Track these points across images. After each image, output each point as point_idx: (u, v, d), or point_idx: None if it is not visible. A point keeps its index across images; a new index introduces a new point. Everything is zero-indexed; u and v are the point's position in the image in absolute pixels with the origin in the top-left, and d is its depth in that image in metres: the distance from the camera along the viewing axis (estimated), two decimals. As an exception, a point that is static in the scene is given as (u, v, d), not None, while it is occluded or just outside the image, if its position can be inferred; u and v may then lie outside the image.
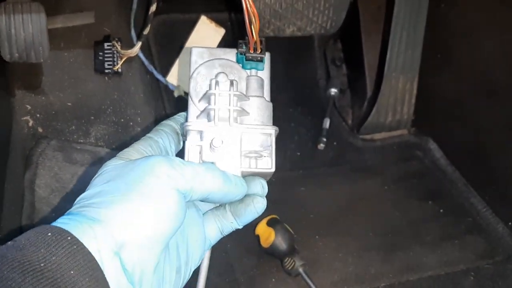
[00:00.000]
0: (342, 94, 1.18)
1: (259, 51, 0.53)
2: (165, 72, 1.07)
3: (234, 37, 1.09)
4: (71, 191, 0.88)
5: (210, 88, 0.51)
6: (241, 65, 0.54)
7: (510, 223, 0.94)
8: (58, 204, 0.86)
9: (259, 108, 0.52)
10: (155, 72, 1.05)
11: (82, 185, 0.89)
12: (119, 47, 0.99)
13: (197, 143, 0.50)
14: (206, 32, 1.08)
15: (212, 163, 0.49)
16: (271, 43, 1.12)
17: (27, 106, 0.95)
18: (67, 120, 0.97)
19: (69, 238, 0.37)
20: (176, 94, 1.05)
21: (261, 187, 0.51)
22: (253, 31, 0.50)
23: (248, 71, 0.54)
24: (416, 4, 1.05)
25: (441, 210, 1.00)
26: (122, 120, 1.01)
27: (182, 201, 0.43)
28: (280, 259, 0.88)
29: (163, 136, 0.50)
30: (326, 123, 1.11)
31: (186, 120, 0.53)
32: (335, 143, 1.12)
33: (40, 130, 0.95)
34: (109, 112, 1.00)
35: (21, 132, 0.93)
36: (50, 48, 0.80)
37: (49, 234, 0.37)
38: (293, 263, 0.86)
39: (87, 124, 0.98)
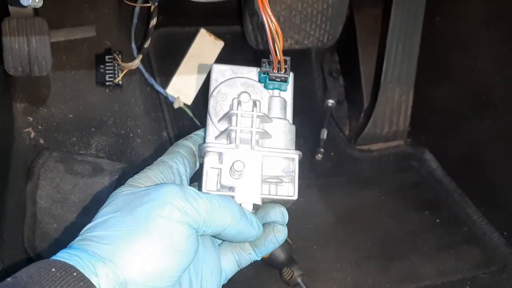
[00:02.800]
0: (339, 106, 1.20)
1: (283, 70, 0.50)
2: (165, 84, 1.08)
3: (233, 49, 1.11)
4: (72, 201, 0.89)
5: (232, 108, 0.48)
6: (263, 84, 0.51)
7: (505, 233, 0.95)
8: (60, 214, 0.87)
9: (282, 131, 0.49)
10: (155, 84, 1.06)
11: (83, 196, 0.90)
12: (119, 60, 1.00)
13: (215, 166, 0.47)
14: (205, 45, 1.10)
15: (231, 187, 0.46)
16: (268, 55, 1.13)
17: (29, 118, 0.96)
18: (69, 132, 0.98)
19: (75, 274, 0.35)
20: (175, 105, 1.06)
21: (281, 215, 0.48)
22: (277, 50, 0.48)
23: (270, 91, 0.51)
24: (411, 18, 1.07)
25: (438, 220, 1.01)
26: (123, 131, 1.02)
27: (193, 236, 0.40)
28: (279, 269, 0.88)
29: (177, 160, 0.47)
30: (324, 134, 1.12)
31: (204, 140, 0.49)
32: (332, 154, 1.14)
33: (41, 141, 0.96)
34: (110, 123, 1.01)
35: (23, 143, 0.94)
36: (52, 61, 0.81)
37: (53, 269, 0.35)
38: (292, 273, 0.86)
39: (88, 136, 0.99)
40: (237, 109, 0.48)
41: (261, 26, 0.96)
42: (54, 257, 0.37)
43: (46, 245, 0.85)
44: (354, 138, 1.15)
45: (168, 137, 1.07)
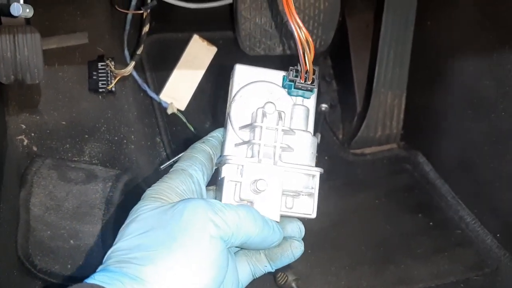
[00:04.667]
0: (333, 110, 1.20)
1: (311, 81, 0.48)
2: (158, 90, 1.09)
3: (226, 55, 1.11)
4: (66, 209, 0.88)
5: (255, 119, 0.46)
6: (286, 90, 0.49)
7: (498, 235, 0.96)
8: (53, 222, 0.87)
9: (304, 144, 0.48)
10: (148, 91, 1.06)
11: (77, 202, 0.90)
12: (112, 67, 1.00)
13: (235, 179, 0.45)
14: (198, 51, 1.10)
15: (251, 201, 0.45)
16: (262, 60, 1.14)
17: (22, 125, 0.96)
18: (62, 139, 0.98)
19: None
20: (169, 111, 1.07)
21: (298, 230, 0.48)
22: (307, 60, 0.46)
23: (294, 98, 0.49)
24: (403, 22, 1.08)
25: (431, 223, 1.02)
26: (116, 138, 1.02)
27: (225, 250, 0.40)
28: (273, 274, 0.88)
29: (197, 167, 0.46)
30: (318, 138, 1.12)
31: (223, 145, 0.48)
32: (326, 158, 1.14)
33: (34, 149, 0.96)
34: (103, 130, 1.01)
35: (16, 151, 0.94)
36: (44, 69, 0.81)
37: None
38: (286, 278, 0.87)
39: (81, 142, 0.99)
40: (262, 121, 0.46)
41: (262, 34, 0.96)
42: (92, 279, 0.35)
43: (40, 252, 0.85)
44: (348, 142, 1.16)
45: (161, 143, 1.07)
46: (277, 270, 0.87)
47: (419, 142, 1.13)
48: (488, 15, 0.94)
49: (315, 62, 0.44)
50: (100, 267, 0.38)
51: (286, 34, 1.00)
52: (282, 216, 0.47)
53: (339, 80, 1.20)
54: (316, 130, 1.12)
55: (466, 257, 0.95)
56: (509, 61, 0.89)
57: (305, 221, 0.49)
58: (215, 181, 0.50)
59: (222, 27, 1.13)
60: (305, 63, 0.47)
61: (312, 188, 0.47)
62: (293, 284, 0.86)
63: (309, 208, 0.47)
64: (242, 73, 0.49)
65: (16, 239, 0.85)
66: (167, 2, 1.06)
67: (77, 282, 0.36)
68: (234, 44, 1.07)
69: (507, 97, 0.90)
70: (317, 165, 0.50)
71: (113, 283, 0.35)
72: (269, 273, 0.88)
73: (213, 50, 1.11)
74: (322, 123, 1.15)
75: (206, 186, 0.48)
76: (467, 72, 0.99)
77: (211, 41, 1.11)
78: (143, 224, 0.39)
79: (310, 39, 0.46)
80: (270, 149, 0.46)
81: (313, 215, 0.47)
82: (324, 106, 1.17)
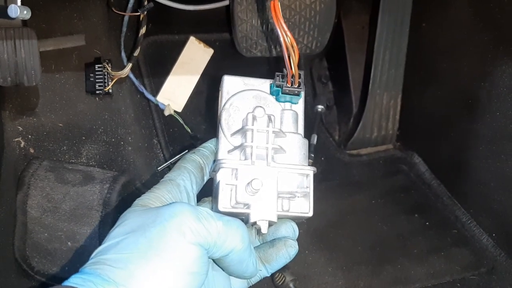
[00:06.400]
0: (329, 111, 1.21)
1: (297, 84, 0.50)
2: (155, 92, 1.09)
3: (222, 57, 1.12)
4: (64, 210, 0.88)
5: (246, 123, 0.48)
6: (275, 97, 0.51)
7: (493, 235, 0.97)
8: (50, 224, 0.87)
9: (295, 145, 0.49)
10: (145, 92, 1.07)
11: (74, 204, 0.89)
12: (109, 69, 1.00)
13: (231, 182, 0.46)
14: (195, 52, 1.11)
15: (247, 204, 0.45)
16: (259, 62, 1.14)
17: (19, 127, 0.96)
18: (59, 141, 0.98)
19: None
20: (166, 113, 1.07)
21: (292, 230, 0.48)
22: (292, 64, 0.48)
23: (282, 104, 0.51)
24: (398, 24, 1.08)
25: (427, 223, 1.02)
26: (113, 139, 1.02)
27: (204, 257, 0.40)
28: (271, 274, 0.89)
29: (184, 176, 0.46)
30: (314, 139, 1.13)
31: (216, 153, 0.48)
32: (322, 159, 1.15)
33: (31, 151, 0.96)
34: (100, 132, 1.01)
35: (13, 153, 0.93)
36: (41, 71, 0.81)
37: None
38: (284, 278, 0.87)
39: (79, 144, 0.99)
40: (253, 125, 0.47)
41: (258, 36, 0.97)
42: (66, 283, 0.36)
43: (37, 255, 0.85)
44: (344, 143, 1.16)
45: (159, 144, 1.07)
46: (275, 271, 0.88)
47: (415, 143, 1.14)
48: (482, 17, 0.94)
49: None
50: (80, 269, 0.38)
51: (282, 35, 1.01)
52: (279, 218, 0.47)
53: (335, 82, 1.21)
54: (312, 131, 1.13)
55: (462, 256, 0.96)
56: (503, 62, 0.90)
57: (301, 222, 0.50)
58: (211, 193, 0.50)
59: (218, 29, 1.13)
60: (291, 67, 0.48)
61: (307, 187, 0.47)
62: (291, 285, 0.87)
63: (305, 207, 0.47)
64: (231, 83, 0.50)
65: (13, 241, 0.84)
66: (164, 4, 1.06)
67: None
68: (231, 46, 1.08)
69: (501, 98, 0.91)
70: (313, 165, 0.50)
71: (86, 284, 0.35)
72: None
73: (209, 52, 1.11)
74: (318, 124, 1.16)
75: (203, 198, 0.49)
76: (461, 73, 1.00)
77: (208, 43, 1.11)
78: (126, 228, 0.40)
79: (295, 44, 0.47)
80: (263, 150, 0.47)
81: (310, 214, 0.47)
82: (320, 107, 1.17)
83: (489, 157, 0.95)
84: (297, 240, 0.96)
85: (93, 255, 0.40)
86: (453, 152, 1.04)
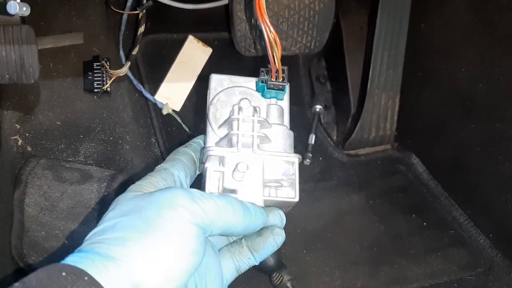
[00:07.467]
0: (327, 111, 1.21)
1: (281, 79, 0.51)
2: (153, 91, 1.09)
3: (221, 56, 1.12)
4: (61, 209, 0.88)
5: (233, 114, 0.49)
6: (261, 93, 0.52)
7: (490, 235, 0.97)
8: (48, 222, 0.87)
9: (281, 135, 0.50)
10: (143, 91, 1.06)
11: (71, 203, 0.89)
12: (108, 67, 1.00)
13: (218, 169, 0.47)
14: (193, 52, 1.11)
15: (234, 190, 0.46)
16: (257, 61, 1.14)
17: (16, 125, 0.96)
18: (57, 139, 0.97)
19: (86, 278, 0.34)
20: (164, 112, 1.07)
21: (279, 218, 0.48)
22: (276, 59, 0.50)
23: (268, 100, 0.52)
24: (397, 25, 1.08)
25: (425, 224, 1.03)
26: (111, 138, 1.02)
27: (201, 237, 0.40)
28: (268, 274, 0.89)
29: (178, 167, 0.47)
30: (312, 139, 1.13)
31: (204, 145, 0.50)
32: (320, 159, 1.15)
33: (29, 149, 0.95)
34: (98, 130, 1.01)
35: (10, 151, 0.93)
36: (39, 69, 0.81)
37: (64, 273, 0.34)
38: (281, 278, 0.87)
39: (76, 143, 0.99)
40: (238, 114, 0.49)
41: (257, 35, 0.97)
42: (63, 261, 0.36)
43: (34, 253, 0.84)
44: (342, 143, 1.17)
45: (157, 143, 1.07)
46: (273, 271, 0.88)
47: (413, 143, 1.14)
48: (481, 19, 0.95)
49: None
50: (76, 250, 0.38)
51: (281, 35, 1.01)
52: (267, 205, 0.48)
53: (334, 82, 1.21)
54: (310, 131, 1.13)
55: (460, 257, 0.96)
56: (501, 63, 0.90)
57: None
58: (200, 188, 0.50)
59: (217, 28, 1.13)
60: (275, 62, 0.50)
61: (293, 174, 0.48)
62: (288, 284, 0.87)
63: (291, 193, 0.49)
64: (218, 81, 0.52)
65: (10, 240, 0.84)
66: (163, 3, 1.06)
67: None
68: (230, 45, 1.08)
69: (499, 99, 0.91)
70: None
71: (83, 261, 0.35)
72: (262, 272, 0.88)
73: (208, 51, 1.11)
74: (316, 124, 1.16)
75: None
76: (460, 74, 1.00)
77: (207, 42, 1.11)
78: (119, 211, 0.40)
79: (278, 40, 0.49)
80: (248, 139, 0.48)
81: (296, 199, 0.48)
82: (318, 107, 1.17)
83: (487, 158, 0.96)
84: (295, 239, 0.97)
85: (88, 237, 0.39)
86: (451, 152, 1.05)
